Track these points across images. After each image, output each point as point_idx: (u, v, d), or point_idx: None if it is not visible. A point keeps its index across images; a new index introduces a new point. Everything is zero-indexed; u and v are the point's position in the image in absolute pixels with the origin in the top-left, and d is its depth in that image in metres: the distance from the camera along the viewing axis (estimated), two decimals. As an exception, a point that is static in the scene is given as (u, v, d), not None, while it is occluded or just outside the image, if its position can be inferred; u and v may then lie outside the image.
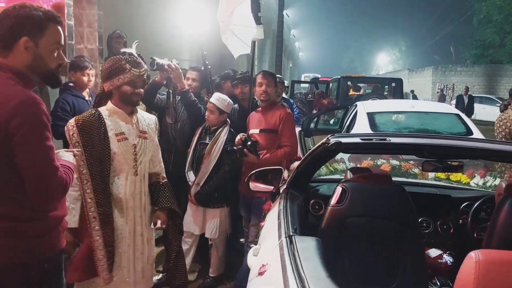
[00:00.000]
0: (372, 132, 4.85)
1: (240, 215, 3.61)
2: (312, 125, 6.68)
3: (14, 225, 1.55)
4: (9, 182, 1.53)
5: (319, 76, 24.84)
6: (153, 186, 2.57)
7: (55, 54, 1.65)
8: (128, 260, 2.40)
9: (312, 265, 1.34)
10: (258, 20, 3.57)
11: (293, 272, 1.30)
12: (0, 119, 1.46)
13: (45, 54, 1.61)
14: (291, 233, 1.67)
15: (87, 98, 3.51)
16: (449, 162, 2.09)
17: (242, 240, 4.10)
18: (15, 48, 1.56)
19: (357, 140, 2.09)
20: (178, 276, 2.70)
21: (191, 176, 3.42)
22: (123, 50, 2.59)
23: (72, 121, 2.29)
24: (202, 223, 3.41)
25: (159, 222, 2.54)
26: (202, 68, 3.78)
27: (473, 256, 1.13)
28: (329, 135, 2.14)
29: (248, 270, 3.14)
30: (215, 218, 3.39)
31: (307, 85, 16.56)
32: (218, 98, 3.34)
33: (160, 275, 3.44)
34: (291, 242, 1.56)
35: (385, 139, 2.07)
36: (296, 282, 1.23)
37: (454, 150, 2.06)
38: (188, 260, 3.45)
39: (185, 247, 3.43)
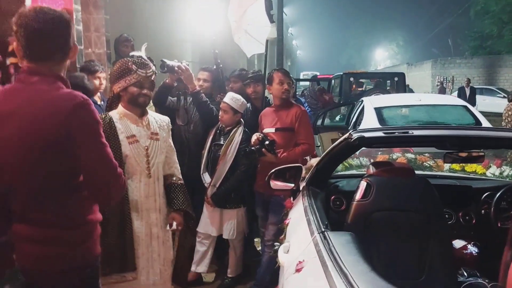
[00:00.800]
0: (382, 127, 4.85)
1: (254, 214, 3.59)
2: (319, 122, 6.68)
3: (61, 233, 1.56)
4: (58, 191, 1.54)
5: (318, 74, 24.78)
6: (168, 187, 2.56)
7: None
8: (147, 262, 2.39)
9: (352, 260, 1.33)
10: (271, 19, 3.56)
11: (335, 268, 1.29)
12: (60, 122, 1.45)
13: None
14: (323, 229, 1.66)
15: (99, 102, 3.50)
16: (470, 153, 2.08)
17: (256, 239, 4.10)
18: (70, 53, 1.59)
19: (380, 134, 2.08)
20: (181, 277, 2.71)
21: (206, 177, 3.42)
22: (132, 53, 2.59)
23: None
24: (219, 224, 3.40)
25: (174, 223, 2.52)
26: (214, 67, 3.76)
27: None
28: (351, 131, 2.13)
29: (268, 268, 3.16)
30: (232, 219, 3.38)
31: (307, 83, 16.53)
32: (232, 98, 3.32)
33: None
34: (325, 238, 1.56)
35: (407, 132, 2.07)
36: (341, 277, 1.22)
37: (476, 140, 2.05)
38: (206, 261, 3.46)
39: (202, 248, 3.43)
